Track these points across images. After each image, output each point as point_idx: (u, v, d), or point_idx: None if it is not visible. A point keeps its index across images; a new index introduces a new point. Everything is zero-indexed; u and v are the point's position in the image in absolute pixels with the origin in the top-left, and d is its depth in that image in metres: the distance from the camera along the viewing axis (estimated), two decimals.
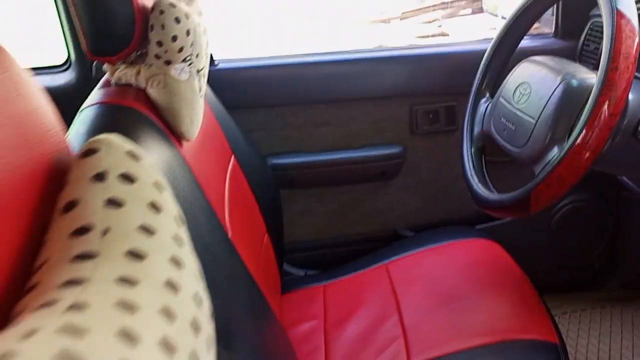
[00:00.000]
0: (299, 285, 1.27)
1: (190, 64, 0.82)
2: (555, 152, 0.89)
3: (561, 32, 1.34)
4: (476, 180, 1.06)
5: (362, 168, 1.37)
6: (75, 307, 0.24)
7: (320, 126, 1.35)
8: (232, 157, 1.09)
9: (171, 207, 0.34)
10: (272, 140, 1.34)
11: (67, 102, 0.69)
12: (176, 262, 0.31)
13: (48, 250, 0.29)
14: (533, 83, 0.99)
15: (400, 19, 5.82)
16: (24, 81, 0.31)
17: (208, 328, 0.31)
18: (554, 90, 0.92)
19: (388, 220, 1.45)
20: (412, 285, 1.15)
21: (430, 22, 5.62)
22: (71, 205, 0.30)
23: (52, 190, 0.32)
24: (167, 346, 0.26)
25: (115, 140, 0.34)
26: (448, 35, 5.21)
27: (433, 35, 5.27)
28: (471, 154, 1.11)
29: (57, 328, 0.22)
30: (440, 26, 5.49)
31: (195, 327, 0.29)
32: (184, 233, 0.34)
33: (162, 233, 0.32)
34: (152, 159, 0.69)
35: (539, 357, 0.95)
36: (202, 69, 0.86)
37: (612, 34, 0.79)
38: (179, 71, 0.81)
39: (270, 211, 1.19)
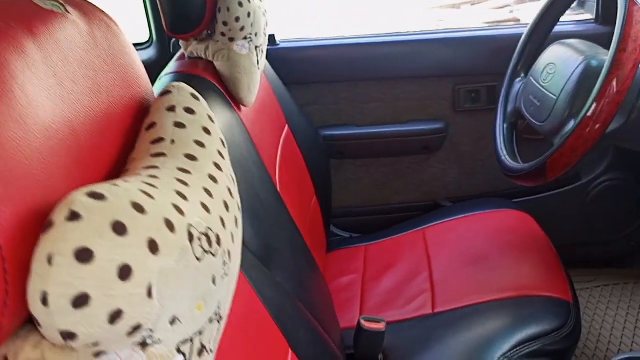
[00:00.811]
0: (343, 245, 1.42)
1: (250, 41, 0.98)
2: (571, 125, 0.98)
3: (601, 17, 1.40)
4: (505, 152, 1.17)
5: (406, 142, 1.49)
6: (150, 177, 0.39)
7: (369, 102, 1.48)
8: (287, 126, 1.23)
9: (218, 132, 0.49)
10: (325, 114, 1.48)
11: (149, 74, 0.86)
12: (218, 166, 0.46)
13: (136, 151, 0.44)
14: (559, 63, 1.08)
15: (471, 4, 5.80)
16: (127, 41, 0.47)
17: (236, 212, 0.46)
18: (575, 69, 1.01)
19: (429, 191, 1.56)
20: (444, 248, 1.27)
21: (501, 7, 5.57)
22: (152, 125, 0.46)
23: (141, 116, 0.47)
24: (205, 208, 0.40)
25: (183, 85, 0.49)
26: (519, 20, 5.16)
27: (503, 21, 5.22)
28: (503, 129, 1.21)
29: (139, 184, 0.37)
30: (511, 12, 5.43)
31: (226, 206, 0.43)
32: (225, 152, 0.49)
33: (210, 147, 0.46)
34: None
35: (552, 311, 1.05)
36: (260, 46, 1.02)
37: (623, 18, 0.88)
38: (240, 47, 0.97)
39: (320, 177, 1.34)
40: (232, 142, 0.88)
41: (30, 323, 0.34)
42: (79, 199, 0.31)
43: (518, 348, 0.99)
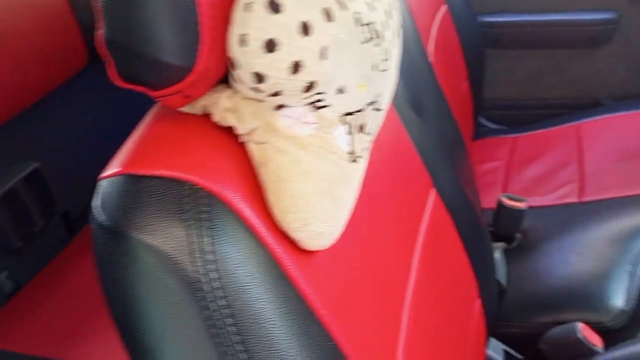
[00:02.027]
0: (489, 134, 1.40)
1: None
2: None
3: None
4: None
5: (570, 32, 1.41)
6: None
7: None
8: (445, 5, 1.22)
9: None
10: None
11: None
12: None
13: None
14: None
15: None
16: None
17: (396, 27, 0.48)
18: None
19: (589, 88, 1.47)
20: (598, 141, 1.22)
21: None
22: None
23: None
24: (370, 7, 0.43)
25: None
26: None
27: None
28: None
29: None
30: None
31: (388, 15, 0.46)
32: None
33: None
34: None
35: None
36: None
37: None
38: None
39: (474, 63, 1.32)
40: None
41: (223, 83, 0.40)
42: None
43: None
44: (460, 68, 1.27)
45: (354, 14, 0.40)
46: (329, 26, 0.38)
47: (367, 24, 0.41)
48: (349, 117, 0.42)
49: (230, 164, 0.39)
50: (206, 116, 0.40)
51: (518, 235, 1.05)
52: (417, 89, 0.88)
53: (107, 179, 0.38)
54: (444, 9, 1.21)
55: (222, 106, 0.39)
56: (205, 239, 0.36)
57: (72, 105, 1.24)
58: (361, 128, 0.43)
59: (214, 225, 0.36)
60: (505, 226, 1.05)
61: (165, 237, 0.35)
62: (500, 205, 1.04)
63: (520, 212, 1.03)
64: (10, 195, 1.06)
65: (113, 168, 0.38)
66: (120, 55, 0.36)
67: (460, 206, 0.72)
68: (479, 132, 1.42)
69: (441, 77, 1.08)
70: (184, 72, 0.36)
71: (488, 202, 1.17)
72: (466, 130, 1.31)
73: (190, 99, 0.39)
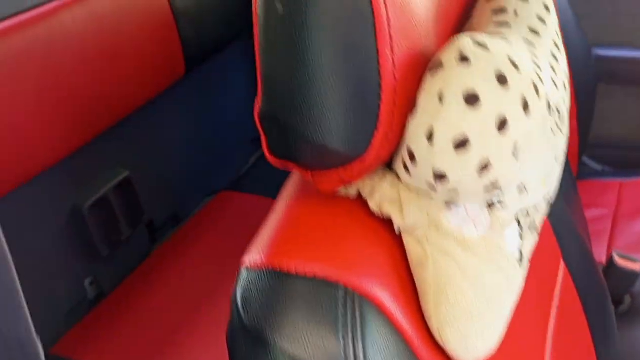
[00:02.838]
0: (594, 176, 1.30)
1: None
2: None
3: None
4: None
5: None
6: (499, 34, 0.38)
7: None
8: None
9: (554, 12, 0.46)
10: (600, 29, 1.33)
11: None
12: (556, 45, 0.43)
13: (477, 17, 0.43)
14: None
15: None
16: None
17: (568, 92, 0.43)
18: None
19: None
20: None
21: None
22: None
23: None
24: (554, 84, 0.38)
25: None
26: None
27: None
28: None
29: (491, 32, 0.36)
30: None
31: (565, 88, 0.41)
32: (559, 35, 0.46)
33: (549, 25, 0.44)
34: None
35: None
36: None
37: None
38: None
39: (584, 99, 1.22)
40: None
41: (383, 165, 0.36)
42: (468, 45, 0.31)
43: None
44: (570, 104, 1.19)
45: (547, 97, 0.35)
46: (525, 120, 0.32)
47: (557, 109, 0.36)
48: (522, 215, 0.37)
49: (384, 261, 0.35)
50: (358, 199, 0.36)
51: (627, 298, 0.96)
52: None
53: (249, 271, 0.34)
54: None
55: (382, 195, 0.35)
56: (359, 351, 0.31)
57: (163, 115, 1.23)
58: (530, 227, 0.38)
59: (367, 333, 0.32)
60: (614, 286, 0.96)
61: (315, 349, 0.31)
62: (612, 263, 0.95)
63: (634, 274, 0.94)
64: (101, 202, 1.06)
65: (256, 256, 0.34)
66: (275, 133, 0.32)
67: (590, 287, 0.65)
68: (582, 173, 1.32)
69: None
70: (350, 158, 0.32)
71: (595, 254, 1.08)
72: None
73: (345, 182, 0.35)
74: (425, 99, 0.31)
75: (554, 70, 0.39)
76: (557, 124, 0.36)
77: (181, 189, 1.32)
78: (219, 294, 1.07)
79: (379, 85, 0.30)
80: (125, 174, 1.11)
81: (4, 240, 0.33)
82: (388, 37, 0.29)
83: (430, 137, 0.31)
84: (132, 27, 1.02)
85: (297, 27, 0.28)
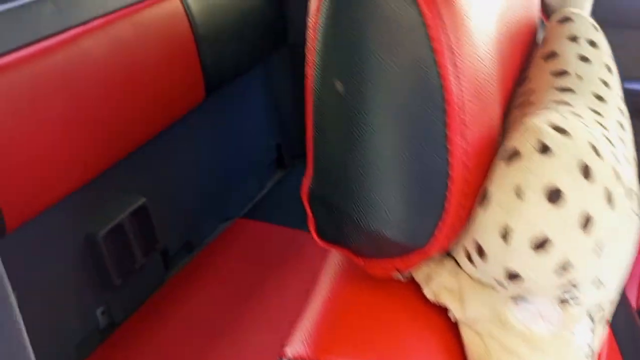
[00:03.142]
0: None
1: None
2: None
3: None
4: None
5: None
6: (564, 103, 0.35)
7: None
8: None
9: (616, 71, 0.43)
10: (632, 63, 1.29)
11: None
12: (621, 111, 0.40)
13: (535, 81, 0.40)
14: None
15: None
16: None
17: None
18: None
19: None
20: None
21: None
22: (552, 55, 0.41)
23: (531, 39, 0.43)
24: (627, 162, 0.35)
25: (583, 14, 0.43)
26: None
27: None
28: None
29: (555, 104, 0.33)
30: None
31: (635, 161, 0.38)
32: (621, 96, 0.43)
33: (613, 89, 0.40)
34: None
35: None
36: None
37: None
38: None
39: None
40: None
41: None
42: (547, 131, 0.28)
43: None
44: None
45: (629, 184, 0.32)
46: (610, 214, 0.29)
47: (636, 192, 0.33)
48: (595, 310, 0.33)
49: (438, 353, 0.32)
50: (410, 283, 0.33)
51: None
52: None
53: None
54: None
55: (440, 283, 0.31)
56: None
57: (179, 140, 1.21)
58: (602, 322, 0.35)
59: None
60: None
61: None
62: None
63: None
64: (116, 230, 1.04)
65: (299, 347, 0.31)
66: (325, 215, 0.29)
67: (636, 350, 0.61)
68: None
69: None
70: (409, 249, 0.29)
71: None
72: None
73: (401, 271, 0.32)
74: (501, 192, 0.28)
75: (623, 142, 0.36)
76: (634, 210, 0.32)
77: (195, 215, 1.29)
78: (235, 324, 1.04)
79: (448, 175, 0.27)
80: (142, 200, 1.09)
81: (6, 280, 0.30)
82: (461, 122, 0.26)
83: (505, 235, 0.28)
84: (153, 53, 1.00)
85: (358, 108, 0.25)
